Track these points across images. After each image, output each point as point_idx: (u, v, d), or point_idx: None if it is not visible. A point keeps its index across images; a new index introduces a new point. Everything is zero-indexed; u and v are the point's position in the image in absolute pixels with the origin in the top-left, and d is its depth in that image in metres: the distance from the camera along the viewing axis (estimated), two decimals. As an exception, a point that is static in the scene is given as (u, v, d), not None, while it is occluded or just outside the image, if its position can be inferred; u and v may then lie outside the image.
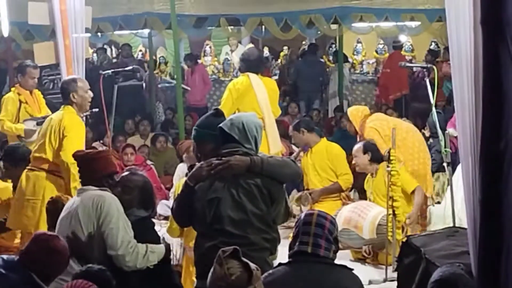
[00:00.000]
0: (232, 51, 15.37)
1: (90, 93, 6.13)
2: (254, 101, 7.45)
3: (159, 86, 14.75)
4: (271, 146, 7.50)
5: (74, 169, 5.63)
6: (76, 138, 5.95)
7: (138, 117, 11.97)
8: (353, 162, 7.24)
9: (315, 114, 11.91)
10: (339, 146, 7.76)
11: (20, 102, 7.30)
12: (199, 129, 4.57)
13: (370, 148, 7.01)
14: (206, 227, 4.29)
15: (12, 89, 7.52)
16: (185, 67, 13.93)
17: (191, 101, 13.21)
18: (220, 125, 4.37)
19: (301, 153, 8.09)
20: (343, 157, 7.64)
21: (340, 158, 7.62)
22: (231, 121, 4.38)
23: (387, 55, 15.09)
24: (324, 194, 7.57)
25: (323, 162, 7.57)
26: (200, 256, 4.34)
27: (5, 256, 3.97)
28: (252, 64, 7.60)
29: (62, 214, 4.46)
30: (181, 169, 8.38)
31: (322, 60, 14.31)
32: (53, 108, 7.55)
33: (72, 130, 5.93)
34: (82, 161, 4.64)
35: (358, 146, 7.12)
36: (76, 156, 4.76)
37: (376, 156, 6.94)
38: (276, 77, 13.93)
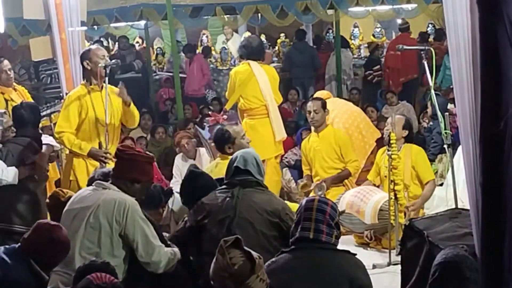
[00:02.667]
0: (227, 40, 15.32)
1: (107, 60, 6.24)
2: (256, 88, 7.42)
3: (156, 78, 14.69)
4: (276, 133, 7.48)
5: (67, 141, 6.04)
6: (64, 111, 6.14)
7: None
8: (387, 128, 6.96)
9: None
10: (344, 132, 7.69)
11: (6, 100, 7.19)
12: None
13: (409, 127, 7.13)
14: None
15: None
16: (183, 57, 13.87)
17: (189, 91, 13.15)
18: (235, 164, 4.65)
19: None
20: (350, 144, 7.55)
21: (348, 145, 7.49)
22: (244, 158, 4.66)
23: (384, 38, 15.00)
24: (335, 182, 7.42)
25: (330, 148, 7.43)
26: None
27: (8, 246, 4.02)
28: (254, 51, 7.56)
29: (75, 205, 4.38)
30: (179, 160, 8.39)
31: (311, 45, 14.22)
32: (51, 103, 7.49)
33: (65, 103, 6.21)
34: (125, 156, 4.50)
35: (400, 118, 7.12)
36: (121, 150, 4.59)
37: (411, 135, 7.17)
38: (274, 65, 13.82)
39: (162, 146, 9.76)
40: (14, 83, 7.33)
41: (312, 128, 7.67)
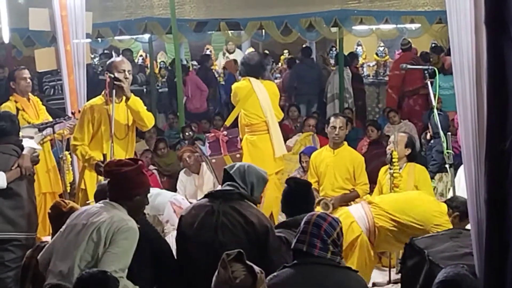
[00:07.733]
0: (229, 53, 15.38)
1: (129, 76, 6.24)
2: (257, 104, 7.38)
3: (160, 91, 14.73)
4: (276, 149, 7.41)
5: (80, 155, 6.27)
6: (80, 121, 6.31)
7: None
8: (389, 147, 6.92)
9: (315, 117, 11.76)
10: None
11: (18, 109, 7.20)
12: None
13: (412, 146, 6.99)
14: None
15: (11, 97, 7.39)
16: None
17: (192, 109, 13.13)
18: (226, 167, 4.60)
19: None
20: (364, 166, 7.27)
21: (363, 167, 7.22)
22: (237, 164, 4.61)
23: (387, 57, 15.06)
24: (343, 202, 7.11)
25: (344, 168, 7.17)
26: None
27: None
28: (253, 69, 7.53)
29: (82, 220, 4.23)
30: (183, 175, 8.41)
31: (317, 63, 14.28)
32: (54, 114, 7.49)
33: (81, 114, 6.37)
34: (113, 177, 4.36)
35: (403, 135, 7.02)
36: (107, 171, 4.43)
37: (414, 154, 7.03)
38: (277, 81, 13.85)
39: (164, 159, 9.74)
40: (29, 93, 7.41)
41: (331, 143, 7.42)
